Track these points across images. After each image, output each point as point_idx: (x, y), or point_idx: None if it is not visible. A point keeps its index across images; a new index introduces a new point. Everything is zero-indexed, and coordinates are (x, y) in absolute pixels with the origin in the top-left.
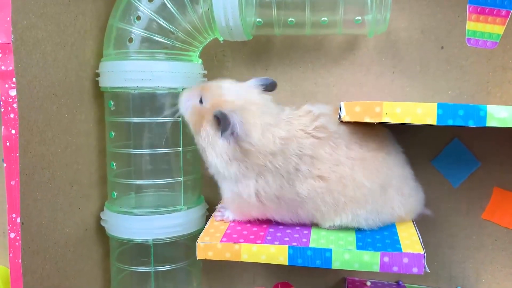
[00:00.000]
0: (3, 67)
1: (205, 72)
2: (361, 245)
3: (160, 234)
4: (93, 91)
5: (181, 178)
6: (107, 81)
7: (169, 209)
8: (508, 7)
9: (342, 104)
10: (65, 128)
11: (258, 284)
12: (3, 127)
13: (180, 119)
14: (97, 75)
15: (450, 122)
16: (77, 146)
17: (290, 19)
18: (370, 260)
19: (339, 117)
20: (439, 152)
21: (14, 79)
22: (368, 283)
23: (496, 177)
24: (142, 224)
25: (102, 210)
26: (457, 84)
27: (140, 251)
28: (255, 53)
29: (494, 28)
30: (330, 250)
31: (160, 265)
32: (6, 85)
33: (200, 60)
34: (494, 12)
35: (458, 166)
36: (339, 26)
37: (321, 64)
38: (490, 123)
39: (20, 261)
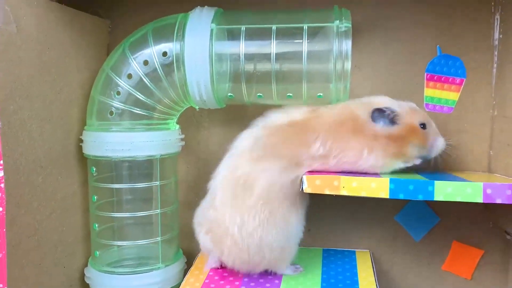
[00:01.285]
0: None
1: (183, 136)
2: None
3: None
4: (77, 155)
5: (159, 238)
6: (89, 149)
7: (148, 268)
8: (462, 76)
9: (304, 177)
10: (50, 195)
11: None
12: None
13: (158, 183)
14: (81, 140)
15: (401, 196)
16: (62, 210)
17: (258, 94)
18: None
19: (302, 189)
20: (401, 208)
21: (1, 161)
22: None
23: (455, 232)
24: (123, 282)
25: (87, 265)
26: None
27: None
28: (231, 114)
29: (449, 95)
30: None
31: None
32: None
33: (177, 126)
34: (450, 80)
35: (419, 221)
36: (304, 100)
37: None
38: (438, 197)
39: None
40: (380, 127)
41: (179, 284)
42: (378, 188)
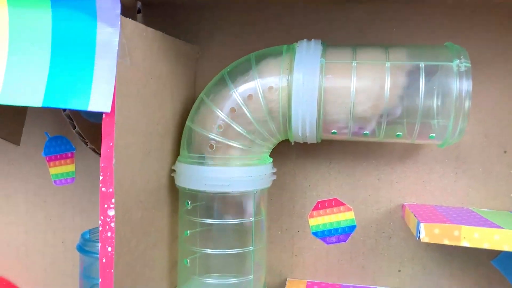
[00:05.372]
0: (103, 189)
1: (275, 170)
2: None
3: None
4: (169, 186)
5: (251, 277)
6: (185, 182)
7: None
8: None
9: (422, 225)
10: (145, 231)
11: None
12: (100, 244)
13: (252, 219)
14: (173, 170)
15: None
16: (153, 244)
17: (364, 132)
18: None
19: (418, 237)
20: (500, 252)
21: (113, 200)
22: None
23: None
24: None
25: None
26: None
27: None
28: (319, 148)
29: None
30: None
31: None
32: (105, 205)
33: (270, 159)
34: None
35: None
36: (413, 140)
37: (385, 161)
38: None
39: None
40: None
41: None
42: (502, 240)
